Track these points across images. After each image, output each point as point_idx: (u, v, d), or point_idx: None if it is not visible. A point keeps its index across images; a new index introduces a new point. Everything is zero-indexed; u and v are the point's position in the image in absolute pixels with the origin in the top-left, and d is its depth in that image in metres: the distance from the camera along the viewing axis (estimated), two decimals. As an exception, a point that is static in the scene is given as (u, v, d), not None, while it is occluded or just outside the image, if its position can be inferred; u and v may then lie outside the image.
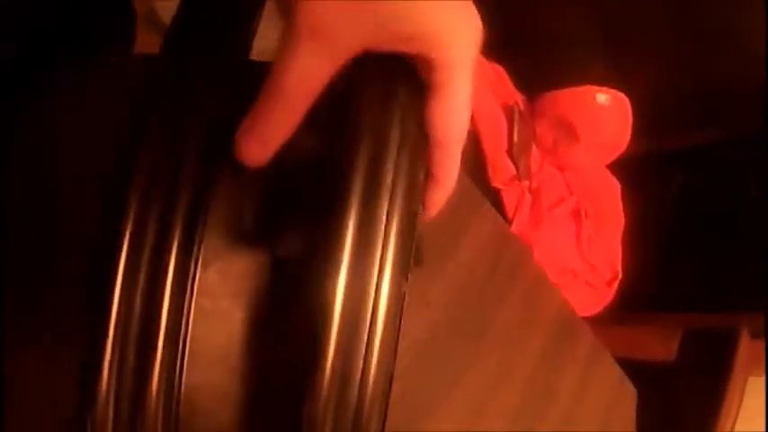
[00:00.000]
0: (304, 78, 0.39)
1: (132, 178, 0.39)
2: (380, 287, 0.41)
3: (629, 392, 1.49)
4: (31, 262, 0.59)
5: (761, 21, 1.89)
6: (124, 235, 0.39)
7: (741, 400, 2.07)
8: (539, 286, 1.25)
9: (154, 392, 0.40)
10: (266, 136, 0.41)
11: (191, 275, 0.41)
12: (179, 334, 0.40)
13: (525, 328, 1.18)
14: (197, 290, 0.41)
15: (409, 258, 0.42)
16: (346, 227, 0.38)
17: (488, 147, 1.50)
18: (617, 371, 1.45)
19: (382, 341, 0.42)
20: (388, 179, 0.40)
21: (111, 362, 0.39)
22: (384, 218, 0.39)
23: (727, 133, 2.11)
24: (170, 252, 0.40)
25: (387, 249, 0.40)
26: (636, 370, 1.53)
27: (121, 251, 0.38)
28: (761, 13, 1.86)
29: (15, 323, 0.58)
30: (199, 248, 0.41)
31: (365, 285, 0.40)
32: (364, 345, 0.41)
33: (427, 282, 1.00)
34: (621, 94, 1.70)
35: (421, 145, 0.44)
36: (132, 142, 0.41)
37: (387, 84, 0.41)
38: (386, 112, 0.41)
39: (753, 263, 2.07)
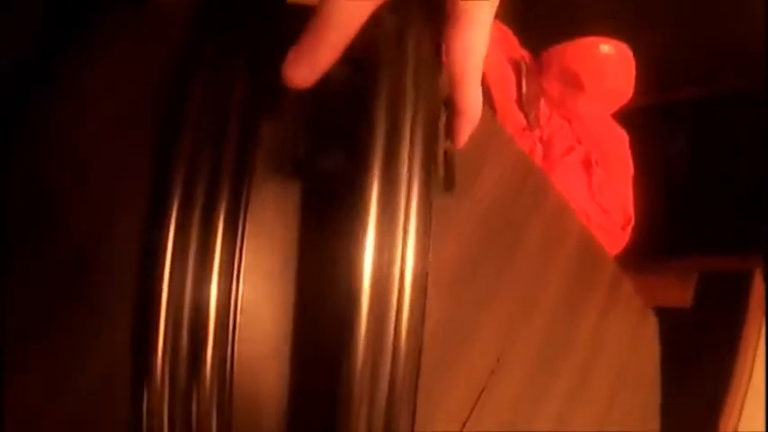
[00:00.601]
0: (353, 5, 0.42)
1: (181, 133, 0.44)
2: (405, 257, 0.44)
3: (651, 320, 1.52)
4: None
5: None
6: (173, 197, 0.42)
7: (759, 339, 2.11)
8: (561, 212, 1.26)
9: (208, 373, 0.43)
10: (315, 59, 0.43)
11: (237, 248, 0.44)
12: (228, 309, 0.44)
13: (549, 253, 1.20)
14: (243, 266, 0.44)
15: (429, 218, 0.45)
16: (371, 184, 0.42)
17: (498, 99, 1.54)
18: (638, 299, 1.47)
19: (411, 307, 0.45)
20: (407, 131, 0.44)
21: (164, 341, 0.43)
22: (405, 170, 0.43)
23: (731, 88, 2.16)
24: (218, 221, 0.44)
25: (410, 208, 0.44)
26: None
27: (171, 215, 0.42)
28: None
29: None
30: (245, 216, 0.45)
31: (391, 256, 0.44)
32: (394, 312, 0.44)
33: (456, 207, 1.01)
34: (624, 45, 1.73)
35: (436, 78, 0.46)
36: (181, 85, 0.46)
37: (402, 16, 0.44)
38: (402, 45, 0.44)
39: (763, 207, 2.09)
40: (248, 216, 0.45)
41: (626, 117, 1.90)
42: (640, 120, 1.94)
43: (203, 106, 0.44)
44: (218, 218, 0.43)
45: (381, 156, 0.43)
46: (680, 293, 2.17)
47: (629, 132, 1.88)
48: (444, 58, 0.48)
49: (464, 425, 1.00)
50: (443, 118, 0.54)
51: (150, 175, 0.48)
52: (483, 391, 1.03)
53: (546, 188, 1.22)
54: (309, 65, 0.43)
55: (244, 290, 0.43)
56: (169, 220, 0.42)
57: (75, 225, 0.61)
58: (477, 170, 1.08)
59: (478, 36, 0.48)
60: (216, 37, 0.47)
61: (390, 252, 0.45)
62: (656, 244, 2.00)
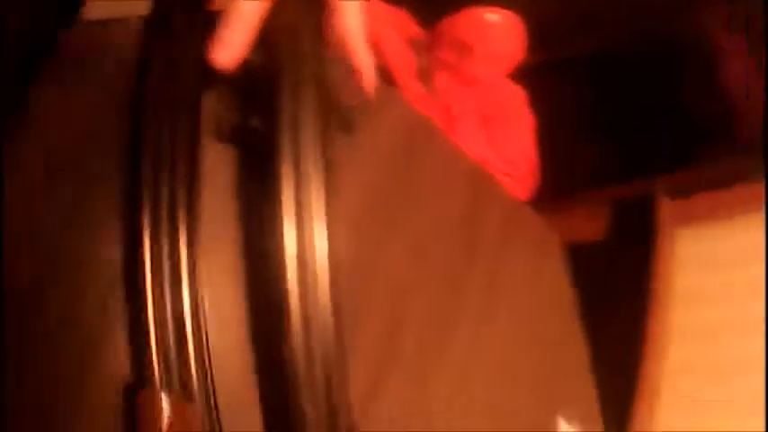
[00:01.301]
0: (250, 5, 0.58)
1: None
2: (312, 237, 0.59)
3: (553, 240, 1.54)
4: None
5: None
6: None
7: (672, 253, 2.29)
8: (451, 153, 1.29)
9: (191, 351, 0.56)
10: (230, 44, 0.57)
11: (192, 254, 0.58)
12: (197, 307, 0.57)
13: (442, 192, 1.23)
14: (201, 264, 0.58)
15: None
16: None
17: (398, 74, 1.74)
18: (539, 228, 1.50)
19: (326, 277, 0.59)
20: (306, 90, 0.62)
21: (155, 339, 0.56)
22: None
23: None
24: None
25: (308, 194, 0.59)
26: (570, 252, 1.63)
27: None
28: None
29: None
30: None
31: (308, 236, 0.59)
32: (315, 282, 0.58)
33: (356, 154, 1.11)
34: (511, 13, 1.90)
35: (322, 51, 0.63)
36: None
37: (293, 11, 0.61)
38: (296, 33, 0.62)
39: (657, 133, 2.35)
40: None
41: (524, 74, 2.05)
42: (538, 75, 2.09)
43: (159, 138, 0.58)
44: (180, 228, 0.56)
45: (289, 110, 0.59)
46: (592, 226, 2.35)
47: (528, 88, 2.04)
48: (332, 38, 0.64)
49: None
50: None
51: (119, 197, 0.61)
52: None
53: (434, 134, 1.31)
54: (227, 49, 0.57)
55: (208, 290, 0.57)
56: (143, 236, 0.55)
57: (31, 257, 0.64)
58: (374, 122, 1.20)
59: (353, 17, 0.64)
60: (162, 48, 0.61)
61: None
62: (563, 183, 2.17)
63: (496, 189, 1.44)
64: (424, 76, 1.83)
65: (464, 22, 1.90)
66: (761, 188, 2.16)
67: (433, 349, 1.11)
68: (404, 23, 1.90)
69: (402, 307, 1.03)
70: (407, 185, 1.15)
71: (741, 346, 2.00)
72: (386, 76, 1.74)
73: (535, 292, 1.43)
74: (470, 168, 1.35)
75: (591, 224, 2.36)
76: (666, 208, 2.33)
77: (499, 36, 1.90)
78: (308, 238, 0.60)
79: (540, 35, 1.98)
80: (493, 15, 1.89)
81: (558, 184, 2.09)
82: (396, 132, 1.15)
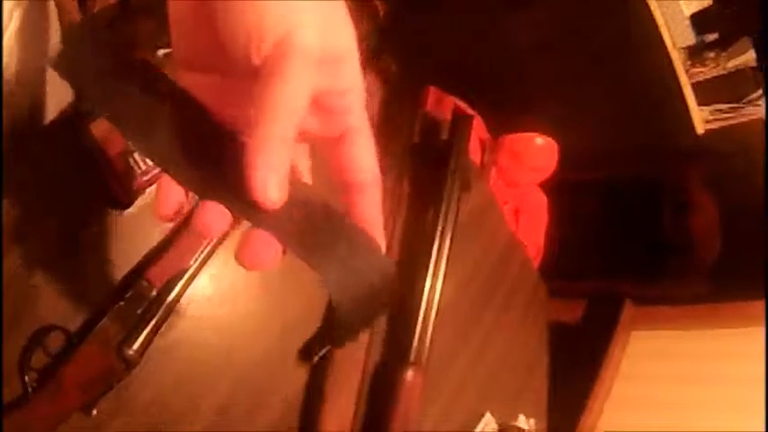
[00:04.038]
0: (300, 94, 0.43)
1: None
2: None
3: (542, 289, 1.95)
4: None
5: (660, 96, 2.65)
6: None
7: (624, 348, 2.73)
8: (500, 224, 1.75)
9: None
10: (277, 165, 0.43)
11: None
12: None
13: (486, 253, 1.66)
14: None
15: None
16: None
17: None
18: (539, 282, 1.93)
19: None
20: None
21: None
22: None
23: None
24: None
25: None
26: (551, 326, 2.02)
27: None
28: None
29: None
30: None
31: None
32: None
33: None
34: (552, 140, 2.48)
35: None
36: None
37: None
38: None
39: (635, 251, 2.88)
40: None
41: (551, 187, 2.62)
42: (558, 188, 2.65)
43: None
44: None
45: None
46: (572, 309, 2.86)
47: (549, 196, 2.62)
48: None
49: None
50: None
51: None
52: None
53: (495, 207, 1.77)
54: (276, 174, 0.42)
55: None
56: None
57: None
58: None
59: (370, 143, 0.50)
60: None
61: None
62: (556, 272, 2.36)
63: (518, 247, 1.85)
64: (483, 168, 2.37)
65: (520, 140, 2.49)
66: (710, 308, 2.66)
67: (449, 356, 1.52)
68: (479, 127, 2.45)
69: (445, 328, 1.40)
70: (474, 233, 1.59)
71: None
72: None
73: (527, 321, 1.85)
74: (508, 231, 1.80)
75: (571, 308, 2.87)
76: (630, 310, 2.81)
77: (541, 155, 2.50)
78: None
79: (568, 158, 2.53)
80: (541, 139, 2.49)
81: (553, 273, 2.29)
82: (480, 196, 1.60)
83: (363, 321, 0.47)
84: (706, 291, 2.73)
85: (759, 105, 2.57)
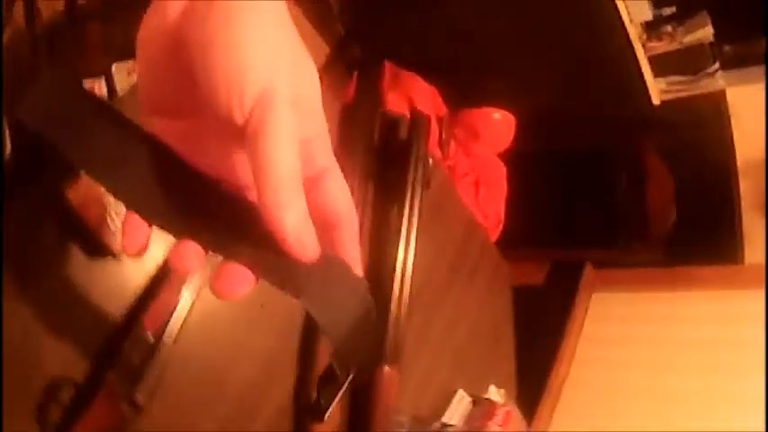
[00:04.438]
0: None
1: None
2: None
3: (504, 274, 2.02)
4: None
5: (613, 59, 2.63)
6: None
7: (587, 308, 2.88)
8: (458, 205, 1.80)
9: None
10: (303, 218, 0.42)
11: None
12: None
13: (450, 231, 1.73)
14: None
15: None
16: None
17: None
18: (501, 266, 2.00)
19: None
20: None
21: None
22: None
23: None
24: None
25: None
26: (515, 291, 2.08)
27: None
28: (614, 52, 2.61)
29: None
30: None
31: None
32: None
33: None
34: (508, 113, 2.57)
35: None
36: None
37: None
38: None
39: (594, 218, 2.96)
40: None
41: (509, 157, 2.69)
42: (517, 159, 2.72)
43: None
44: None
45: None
46: (535, 275, 2.93)
47: (509, 167, 2.68)
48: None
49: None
50: None
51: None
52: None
53: (452, 191, 1.83)
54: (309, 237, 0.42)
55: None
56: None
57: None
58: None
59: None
60: None
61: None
62: (519, 240, 2.60)
63: (478, 229, 1.92)
64: (444, 145, 2.45)
65: (477, 115, 2.57)
66: (662, 272, 2.81)
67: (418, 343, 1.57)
68: (437, 103, 2.55)
69: (414, 317, 1.47)
70: (436, 225, 1.66)
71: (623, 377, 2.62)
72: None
73: (490, 298, 1.94)
74: (468, 215, 1.88)
75: (533, 276, 2.94)
76: (589, 274, 2.92)
77: (499, 128, 2.58)
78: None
79: (525, 130, 2.62)
80: (498, 114, 2.57)
81: (515, 240, 2.52)
82: (439, 189, 1.65)
83: (363, 348, 0.48)
84: (661, 257, 2.84)
85: (715, 78, 2.61)
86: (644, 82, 2.67)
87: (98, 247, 0.99)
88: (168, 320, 1.03)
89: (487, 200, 2.57)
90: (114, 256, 1.00)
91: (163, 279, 1.05)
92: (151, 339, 1.02)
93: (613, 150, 2.98)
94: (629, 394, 2.54)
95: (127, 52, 1.26)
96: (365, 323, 0.47)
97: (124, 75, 1.29)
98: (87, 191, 0.94)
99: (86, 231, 0.97)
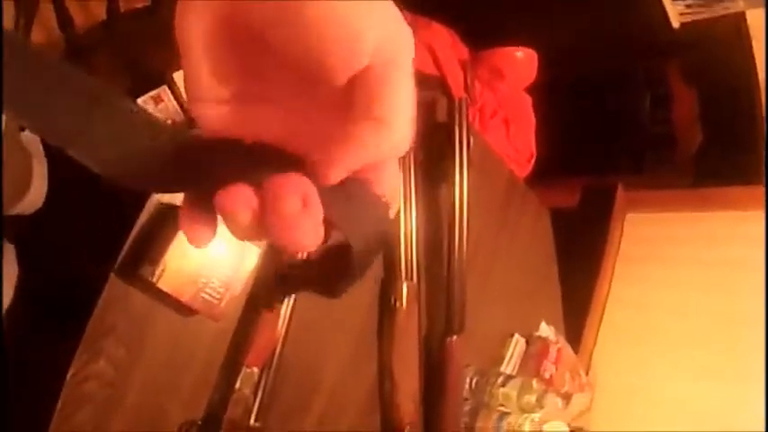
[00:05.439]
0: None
1: None
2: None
3: (546, 217, 2.18)
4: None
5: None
6: None
7: (622, 228, 2.96)
8: (498, 164, 1.93)
9: None
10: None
11: None
12: None
13: (493, 190, 1.89)
14: None
15: None
16: None
17: (453, 86, 2.40)
18: (538, 204, 2.13)
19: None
20: None
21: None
22: None
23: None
24: None
25: None
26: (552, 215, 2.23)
27: None
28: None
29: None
30: None
31: None
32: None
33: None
34: (531, 50, 2.57)
35: None
36: None
37: None
38: None
39: (622, 143, 3.05)
40: None
41: (533, 89, 2.71)
42: (542, 90, 2.74)
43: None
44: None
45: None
46: (569, 200, 2.96)
47: (534, 99, 2.71)
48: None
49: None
50: None
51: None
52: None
53: (491, 153, 1.95)
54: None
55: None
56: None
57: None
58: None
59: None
60: None
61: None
62: (552, 169, 2.72)
63: (516, 181, 2.05)
64: (470, 88, 2.49)
65: (500, 55, 2.59)
66: (691, 193, 2.87)
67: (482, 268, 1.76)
68: (457, 46, 2.57)
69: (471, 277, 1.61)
70: (480, 193, 1.74)
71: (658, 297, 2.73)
72: (444, 85, 2.38)
73: (535, 241, 2.09)
74: (507, 171, 2.00)
75: (567, 199, 2.96)
76: (622, 196, 2.97)
77: (523, 66, 2.59)
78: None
79: (547, 63, 2.63)
80: (520, 52, 2.59)
81: (548, 171, 2.66)
82: (480, 157, 1.74)
83: (369, 262, 0.49)
84: (690, 178, 2.92)
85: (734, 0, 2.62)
86: (662, 6, 2.67)
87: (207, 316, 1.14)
88: (272, 356, 1.20)
89: (518, 135, 2.60)
90: (216, 319, 1.14)
91: (259, 321, 1.21)
92: (257, 374, 1.19)
93: (636, 74, 3.03)
94: (668, 312, 2.63)
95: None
96: (383, 235, 0.49)
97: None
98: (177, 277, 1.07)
99: (189, 310, 1.12)
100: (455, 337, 1.50)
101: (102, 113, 0.40)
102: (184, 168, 0.43)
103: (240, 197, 0.42)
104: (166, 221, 1.10)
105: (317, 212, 0.42)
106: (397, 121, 0.42)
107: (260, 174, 0.42)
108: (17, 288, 1.23)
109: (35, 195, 1.16)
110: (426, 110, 1.63)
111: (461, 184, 1.58)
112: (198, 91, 0.45)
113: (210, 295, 1.10)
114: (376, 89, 0.42)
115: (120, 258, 1.09)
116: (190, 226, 0.45)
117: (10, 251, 1.24)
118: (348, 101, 0.43)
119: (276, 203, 0.41)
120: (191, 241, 0.45)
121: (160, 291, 1.07)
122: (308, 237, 0.42)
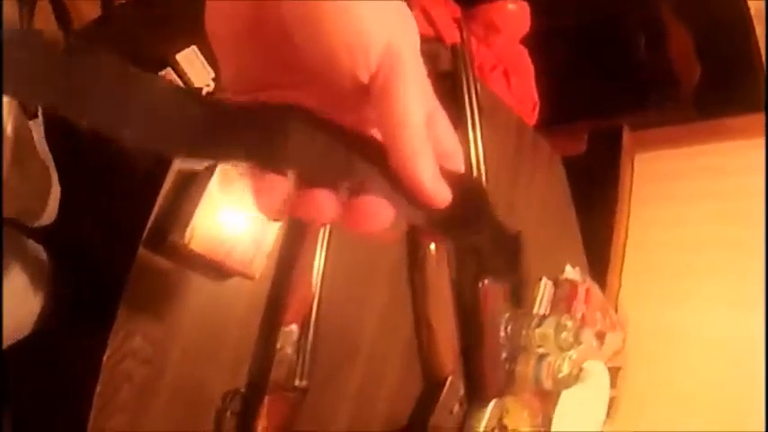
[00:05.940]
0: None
1: None
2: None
3: (559, 165, 2.20)
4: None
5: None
6: None
7: (632, 169, 3.03)
8: (507, 113, 1.95)
9: None
10: (434, 168, 0.45)
11: None
12: None
13: (505, 136, 1.90)
14: None
15: None
16: None
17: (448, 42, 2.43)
18: (550, 150, 2.16)
19: None
20: None
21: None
22: None
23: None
24: None
25: None
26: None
27: None
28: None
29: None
30: None
31: None
32: None
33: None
34: (523, 2, 2.57)
35: None
36: None
37: None
38: None
39: (623, 84, 3.03)
40: None
41: (528, 39, 2.68)
42: (538, 39, 2.70)
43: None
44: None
45: None
46: (576, 146, 3.02)
47: (530, 48, 2.70)
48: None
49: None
50: None
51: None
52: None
53: (500, 104, 1.98)
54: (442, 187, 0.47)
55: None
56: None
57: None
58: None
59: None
60: None
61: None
62: (556, 115, 2.73)
63: (527, 129, 2.07)
64: (464, 45, 2.47)
65: (493, 9, 2.57)
66: (696, 126, 2.89)
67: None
68: (449, 4, 2.57)
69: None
70: (493, 142, 1.75)
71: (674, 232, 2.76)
72: (441, 43, 2.31)
73: (550, 188, 2.10)
74: (516, 119, 2.01)
75: (575, 146, 3.01)
76: (628, 137, 3.03)
77: (516, 18, 2.58)
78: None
79: (540, 10, 2.61)
80: (512, 4, 2.58)
81: (552, 117, 2.66)
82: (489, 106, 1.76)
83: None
84: (693, 113, 2.93)
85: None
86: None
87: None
88: (310, 312, 1.19)
89: (519, 87, 2.59)
90: (250, 277, 1.14)
91: (294, 277, 1.21)
92: (296, 331, 1.18)
93: (628, 15, 3.02)
94: (689, 248, 2.67)
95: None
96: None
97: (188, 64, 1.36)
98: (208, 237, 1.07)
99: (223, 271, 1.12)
100: (487, 281, 1.48)
101: (141, 89, 0.41)
102: (220, 132, 0.44)
103: (325, 207, 0.46)
104: (189, 186, 1.10)
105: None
106: (402, 123, 0.44)
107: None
108: (48, 284, 1.24)
109: (52, 206, 1.15)
110: (429, 62, 1.60)
111: (474, 131, 1.57)
112: (227, 83, 0.49)
113: (243, 253, 1.09)
114: (383, 94, 0.44)
115: (146, 230, 1.09)
116: (260, 196, 0.46)
117: (39, 251, 1.25)
118: (361, 103, 0.46)
119: (360, 222, 0.46)
120: (262, 211, 0.47)
121: (192, 253, 1.05)
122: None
